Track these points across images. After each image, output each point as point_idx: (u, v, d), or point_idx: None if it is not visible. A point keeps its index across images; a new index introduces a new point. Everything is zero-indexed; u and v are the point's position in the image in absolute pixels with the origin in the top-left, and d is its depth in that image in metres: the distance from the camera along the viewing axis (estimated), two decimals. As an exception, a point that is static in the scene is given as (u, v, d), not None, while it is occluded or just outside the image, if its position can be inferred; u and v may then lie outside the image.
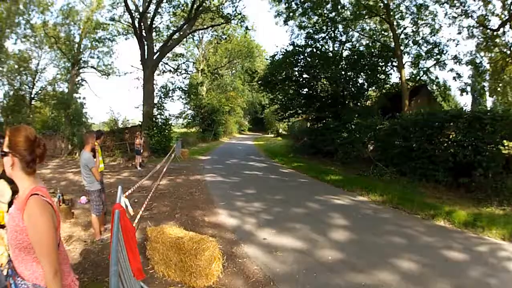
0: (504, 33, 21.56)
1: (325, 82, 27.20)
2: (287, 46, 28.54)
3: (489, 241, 7.82)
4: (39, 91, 40.90)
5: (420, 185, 14.05)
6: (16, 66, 39.00)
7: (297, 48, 27.28)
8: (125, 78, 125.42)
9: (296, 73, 28.09)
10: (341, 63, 26.03)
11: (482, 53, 24.24)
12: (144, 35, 26.55)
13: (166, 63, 36.73)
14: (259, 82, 31.27)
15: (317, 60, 25.93)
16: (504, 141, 12.55)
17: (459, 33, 23.42)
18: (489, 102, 30.80)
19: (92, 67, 42.84)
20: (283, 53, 27.91)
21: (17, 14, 36.00)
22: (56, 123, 36.51)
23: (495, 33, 21.82)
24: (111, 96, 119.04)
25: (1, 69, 37.46)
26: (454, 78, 24.74)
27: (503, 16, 21.05)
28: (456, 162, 13.36)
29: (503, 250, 7.20)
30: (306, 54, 26.89)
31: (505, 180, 11.87)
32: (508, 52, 21.95)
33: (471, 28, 23.19)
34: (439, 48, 24.46)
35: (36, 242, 2.37)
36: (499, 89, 25.89)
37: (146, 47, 26.82)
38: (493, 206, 10.89)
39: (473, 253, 6.98)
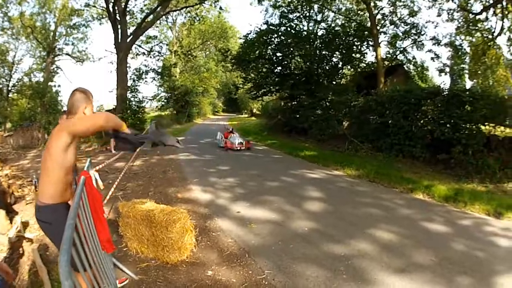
0: (487, 18, 21.25)
1: (299, 60, 26.98)
2: (261, 25, 28.11)
3: (473, 216, 7.66)
4: (16, 83, 39.83)
5: (397, 161, 14.06)
6: (-6, 60, 38.45)
7: (271, 27, 26.89)
8: (99, 63, 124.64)
9: (270, 51, 27.81)
10: (316, 42, 25.85)
11: (462, 36, 24.07)
12: (118, 18, 25.74)
13: (140, 46, 36.14)
14: (232, 61, 30.98)
15: (290, 39, 25.69)
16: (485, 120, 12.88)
17: (439, 15, 23.06)
18: (468, 84, 30.52)
19: (67, 54, 42.24)
20: (256, 32, 27.59)
21: (-6, 9, 35.27)
22: (33, 113, 35.70)
23: (477, 17, 21.49)
24: (86, 82, 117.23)
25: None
26: (432, 58, 24.89)
27: (484, 1, 20.68)
28: (434, 138, 13.43)
29: (489, 225, 7.02)
30: (280, 33, 26.56)
31: (486, 158, 11.96)
32: (491, 36, 21.60)
33: (452, 11, 22.84)
34: (417, 29, 24.46)
35: None
36: (479, 71, 25.55)
37: (120, 30, 26.05)
38: (474, 183, 10.90)
39: (456, 227, 6.83)
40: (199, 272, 4.90)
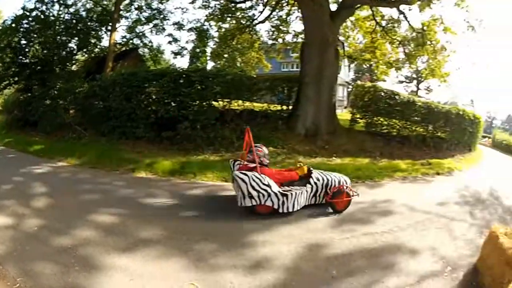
0: (252, 7, 22.58)
1: (37, 47, 25.15)
2: (19, 10, 25.88)
3: (205, 184, 8.61)
4: None
5: (120, 143, 14.02)
6: None
7: (25, 12, 24.41)
8: None
9: (16, 39, 25.08)
10: (61, 27, 24.76)
11: (213, 22, 24.99)
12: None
13: None
14: (-19, 52, 27.84)
15: (36, 25, 24.11)
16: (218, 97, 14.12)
17: (192, 2, 23.63)
18: (210, 65, 31.86)
19: None
20: (13, 18, 24.84)
21: None
22: None
23: (238, 5, 22.67)
24: None
25: None
26: (169, 42, 26.12)
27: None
28: (159, 117, 13.91)
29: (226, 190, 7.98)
30: (30, 19, 24.43)
31: (219, 130, 13.12)
32: (248, 23, 23.13)
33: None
34: (161, 14, 25.40)
35: None
36: (226, 55, 27.00)
37: None
38: (206, 154, 11.96)
39: (184, 198, 7.66)
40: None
